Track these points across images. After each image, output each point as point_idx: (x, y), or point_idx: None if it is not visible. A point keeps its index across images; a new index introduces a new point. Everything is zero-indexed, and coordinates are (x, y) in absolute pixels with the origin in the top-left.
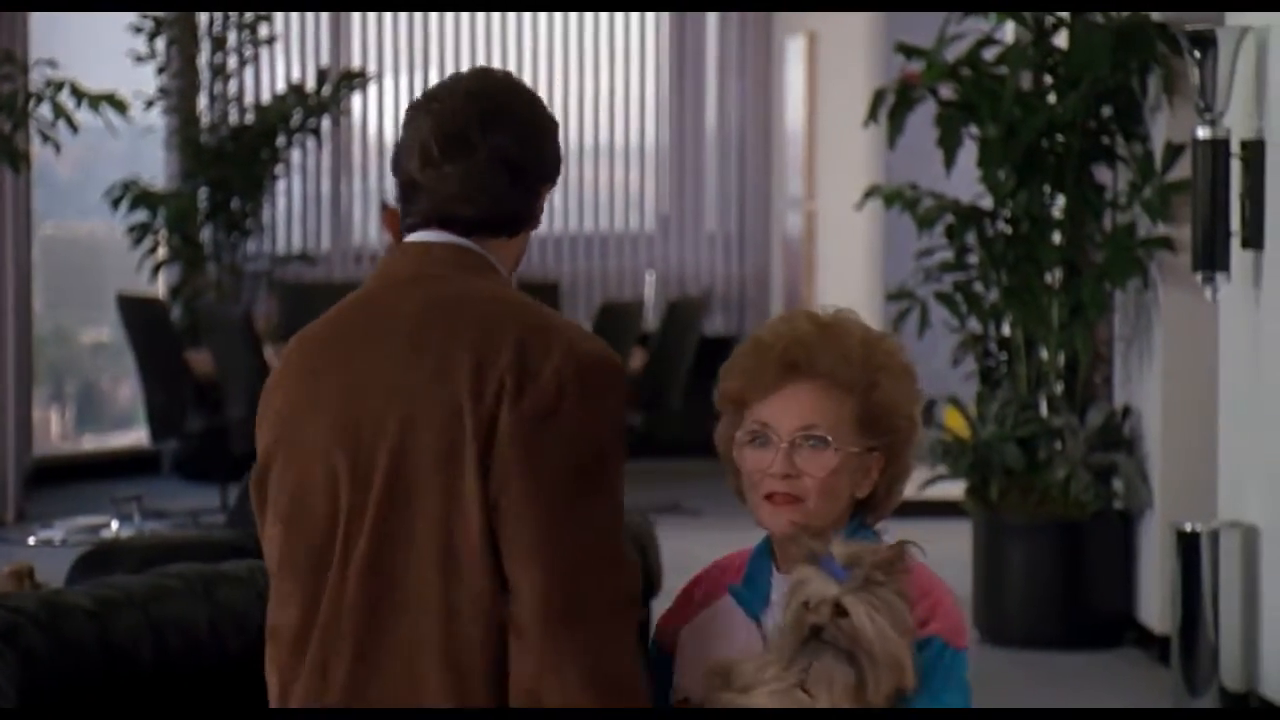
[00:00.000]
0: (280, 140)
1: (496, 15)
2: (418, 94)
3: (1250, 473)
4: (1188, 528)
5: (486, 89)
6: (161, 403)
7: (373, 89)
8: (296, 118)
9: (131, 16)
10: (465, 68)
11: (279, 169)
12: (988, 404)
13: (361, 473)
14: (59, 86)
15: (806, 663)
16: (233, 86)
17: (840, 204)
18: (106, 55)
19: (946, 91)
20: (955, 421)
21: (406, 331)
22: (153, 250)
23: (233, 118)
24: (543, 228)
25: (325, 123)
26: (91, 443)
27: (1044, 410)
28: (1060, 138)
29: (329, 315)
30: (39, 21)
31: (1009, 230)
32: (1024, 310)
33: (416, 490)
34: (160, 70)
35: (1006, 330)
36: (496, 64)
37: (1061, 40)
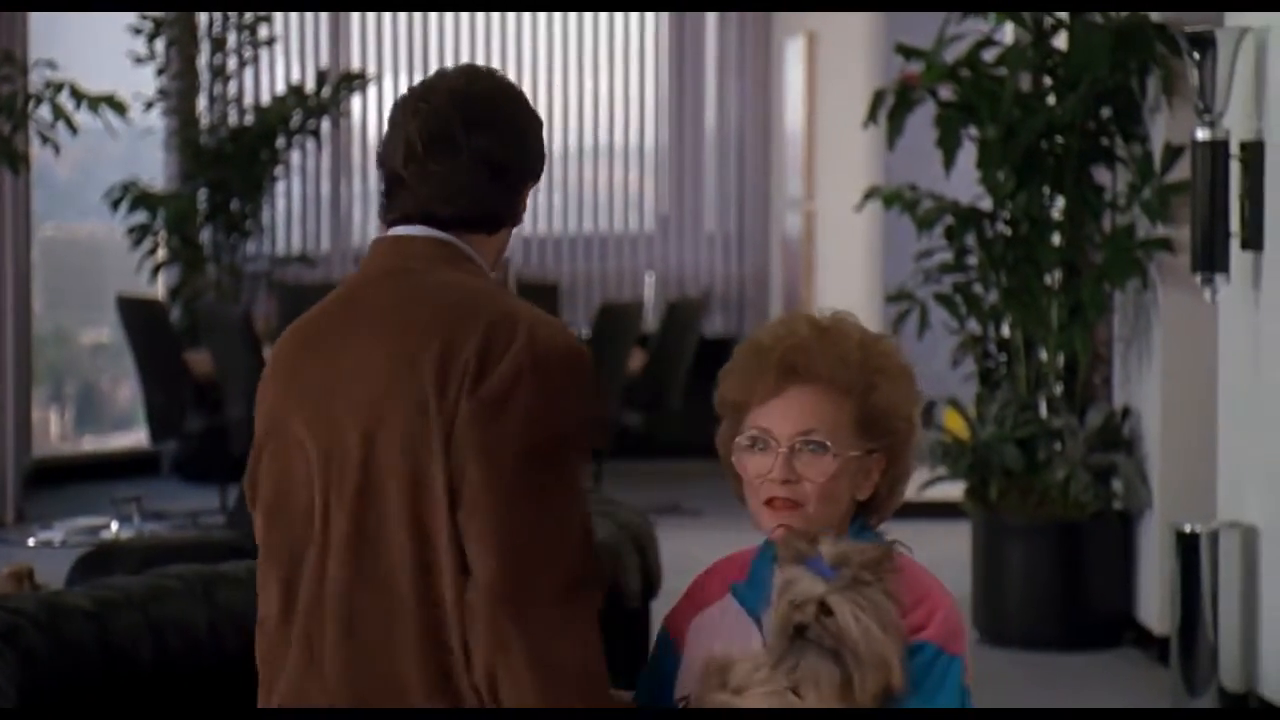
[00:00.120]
0: (280, 141)
1: (496, 16)
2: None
3: (1250, 473)
4: (1187, 528)
5: (471, 89)
6: (161, 404)
7: (372, 90)
8: (296, 119)
9: (131, 17)
10: None
11: (278, 170)
12: (987, 405)
13: (337, 462)
14: (58, 88)
15: (795, 662)
16: (232, 88)
17: (839, 205)
18: (106, 56)
19: (946, 92)
20: (955, 423)
21: (380, 323)
22: (152, 251)
23: (232, 119)
24: (542, 228)
25: (325, 124)
26: (91, 444)
27: (1043, 411)
28: (1059, 139)
29: (313, 310)
30: (39, 22)
31: (1008, 231)
32: (1023, 311)
33: (388, 477)
34: (160, 71)
35: (1006, 331)
36: (496, 65)
37: (1061, 41)
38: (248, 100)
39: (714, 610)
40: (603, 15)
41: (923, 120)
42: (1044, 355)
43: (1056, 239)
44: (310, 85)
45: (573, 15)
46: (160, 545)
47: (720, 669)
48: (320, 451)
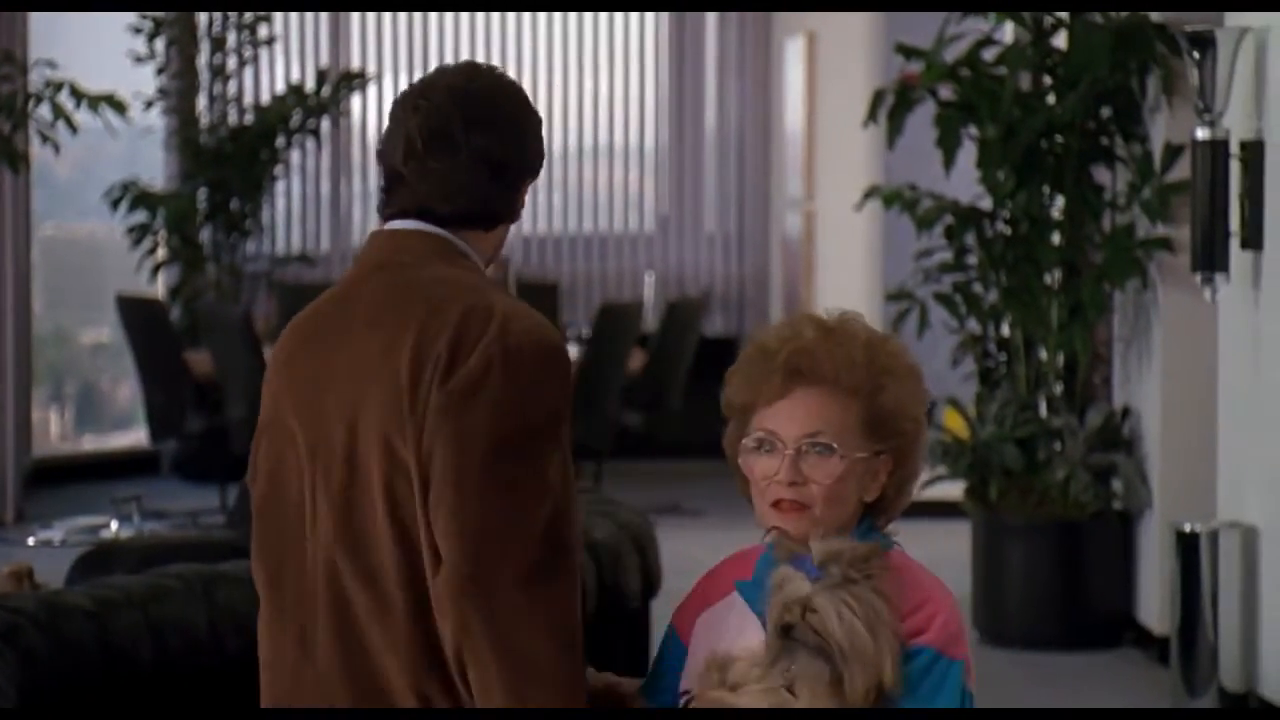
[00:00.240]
0: (280, 141)
1: (496, 16)
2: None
3: (1249, 473)
4: (1187, 528)
5: (471, 86)
6: (161, 403)
7: (372, 90)
8: (296, 118)
9: (131, 17)
10: None
11: (278, 170)
12: (987, 404)
13: (324, 456)
14: (58, 87)
15: (788, 661)
16: (232, 87)
17: (839, 204)
18: (106, 56)
19: (946, 92)
20: (954, 422)
21: (366, 316)
22: (152, 251)
23: (232, 118)
24: (542, 228)
25: (325, 123)
26: (91, 443)
27: (1043, 411)
28: (1059, 138)
29: (309, 307)
30: (39, 22)
31: (1008, 231)
32: (1023, 311)
33: (368, 466)
34: (159, 71)
35: (1006, 331)
36: (496, 64)
37: (1061, 41)
38: (248, 100)
39: (720, 607)
40: (603, 15)
41: (923, 120)
42: (1044, 355)
43: (1056, 239)
44: (310, 85)
45: (573, 15)
46: (160, 545)
47: (720, 665)
48: (308, 445)
